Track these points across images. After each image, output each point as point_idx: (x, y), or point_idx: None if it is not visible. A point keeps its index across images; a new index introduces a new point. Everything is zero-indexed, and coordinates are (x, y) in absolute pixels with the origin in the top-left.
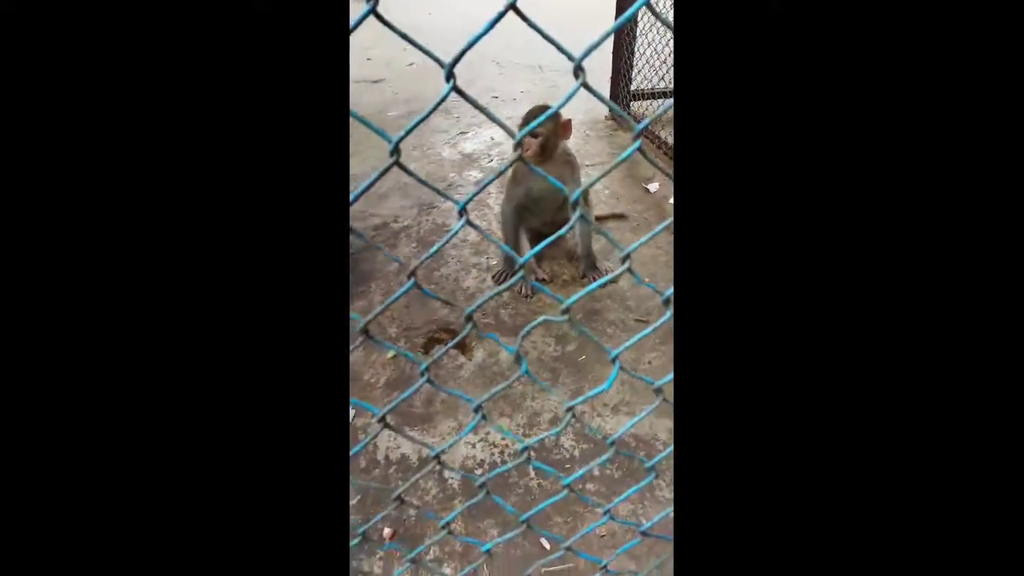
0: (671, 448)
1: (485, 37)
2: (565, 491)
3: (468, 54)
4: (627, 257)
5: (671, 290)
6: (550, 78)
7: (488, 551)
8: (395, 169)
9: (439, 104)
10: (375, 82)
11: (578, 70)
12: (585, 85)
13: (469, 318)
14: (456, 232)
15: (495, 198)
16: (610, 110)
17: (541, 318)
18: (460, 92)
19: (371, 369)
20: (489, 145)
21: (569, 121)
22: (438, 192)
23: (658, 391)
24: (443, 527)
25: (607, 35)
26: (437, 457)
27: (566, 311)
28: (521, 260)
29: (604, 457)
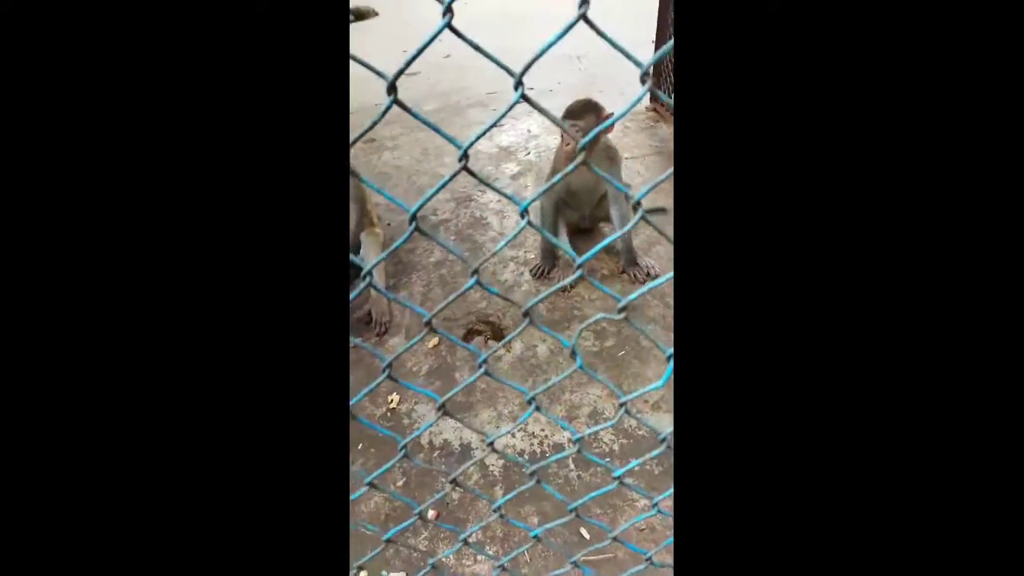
0: None
1: (521, 27)
2: (615, 483)
3: (502, 46)
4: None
5: None
6: (587, 69)
7: (536, 536)
8: (432, 163)
9: (508, 110)
10: (411, 75)
11: (644, 76)
12: (653, 91)
13: (526, 314)
14: (517, 234)
15: (531, 192)
16: (652, 98)
17: (599, 315)
18: (529, 101)
19: (413, 357)
20: (526, 138)
21: (610, 115)
22: (501, 193)
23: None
24: (495, 510)
25: (558, 38)
26: (492, 444)
27: (623, 309)
28: (580, 260)
29: (656, 452)
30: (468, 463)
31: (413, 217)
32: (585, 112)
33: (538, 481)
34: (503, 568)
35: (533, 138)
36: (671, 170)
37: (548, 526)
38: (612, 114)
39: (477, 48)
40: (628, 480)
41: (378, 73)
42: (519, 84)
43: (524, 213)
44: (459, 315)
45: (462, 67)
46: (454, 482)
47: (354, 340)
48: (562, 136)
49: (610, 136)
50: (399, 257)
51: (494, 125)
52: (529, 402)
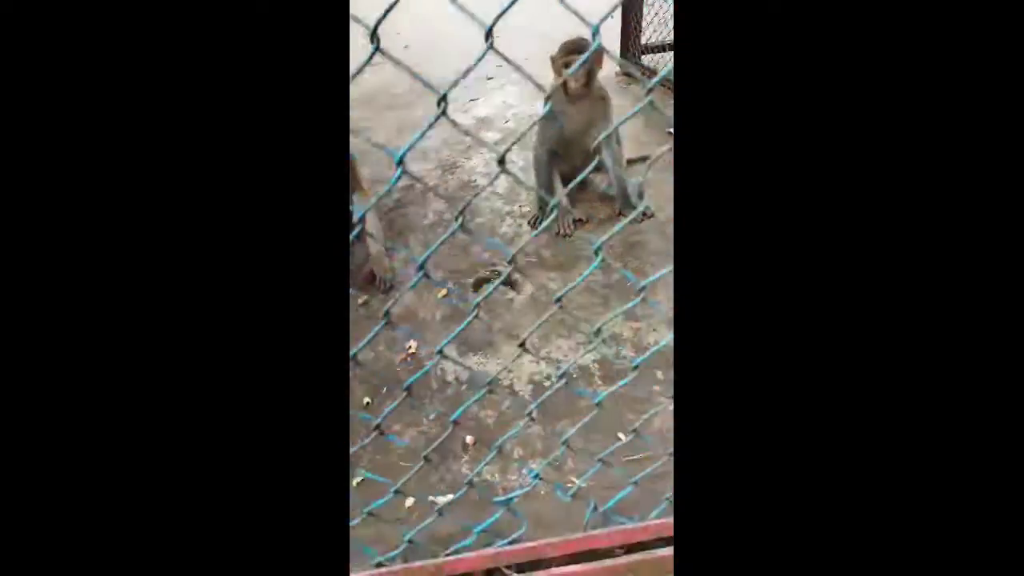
0: None
1: (482, 11)
2: (633, 373)
3: (466, 27)
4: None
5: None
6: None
7: (565, 442)
8: (409, 138)
9: (480, 59)
10: (374, 65)
11: (595, 35)
12: (602, 47)
13: (511, 260)
14: (496, 178)
15: (517, 153)
16: (620, 66)
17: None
18: (498, 51)
19: (424, 307)
20: (503, 108)
21: (603, 50)
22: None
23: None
24: (527, 415)
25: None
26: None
27: (598, 251)
28: (553, 200)
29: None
30: (495, 382)
31: (400, 161)
32: (581, 48)
33: (567, 383)
34: (538, 476)
35: (510, 107)
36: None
37: (578, 425)
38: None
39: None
40: (655, 388)
41: (474, 19)
42: (488, 35)
43: (501, 162)
44: (464, 267)
45: (423, 56)
46: (486, 394)
47: (358, 294)
48: (559, 74)
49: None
50: (393, 220)
51: (472, 67)
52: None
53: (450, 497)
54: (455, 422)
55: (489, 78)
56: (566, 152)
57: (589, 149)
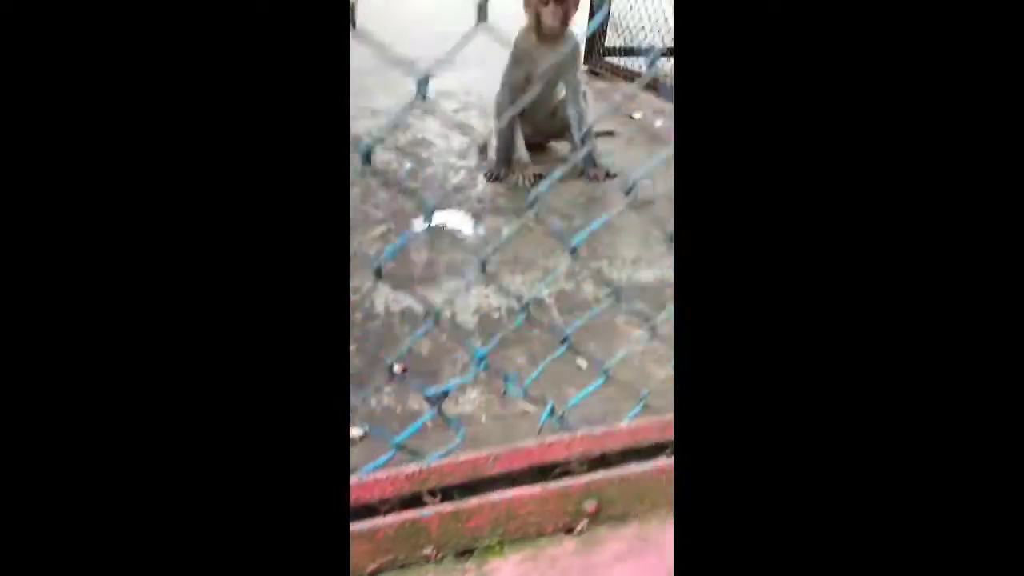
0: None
1: (430, 14)
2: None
3: (413, 28)
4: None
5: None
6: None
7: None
8: (362, 95)
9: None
10: None
11: (480, 14)
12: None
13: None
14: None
15: (476, 122)
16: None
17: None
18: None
19: (359, 246)
20: (464, 85)
21: None
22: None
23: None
24: (479, 359)
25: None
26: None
27: (531, 204)
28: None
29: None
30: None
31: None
32: None
33: (526, 319)
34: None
35: (471, 84)
36: (621, 95)
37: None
38: None
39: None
40: (620, 319)
41: None
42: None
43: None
44: (409, 209)
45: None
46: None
47: None
48: (534, 14)
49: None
50: None
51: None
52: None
53: (366, 428)
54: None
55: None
56: (531, 107)
57: (555, 106)
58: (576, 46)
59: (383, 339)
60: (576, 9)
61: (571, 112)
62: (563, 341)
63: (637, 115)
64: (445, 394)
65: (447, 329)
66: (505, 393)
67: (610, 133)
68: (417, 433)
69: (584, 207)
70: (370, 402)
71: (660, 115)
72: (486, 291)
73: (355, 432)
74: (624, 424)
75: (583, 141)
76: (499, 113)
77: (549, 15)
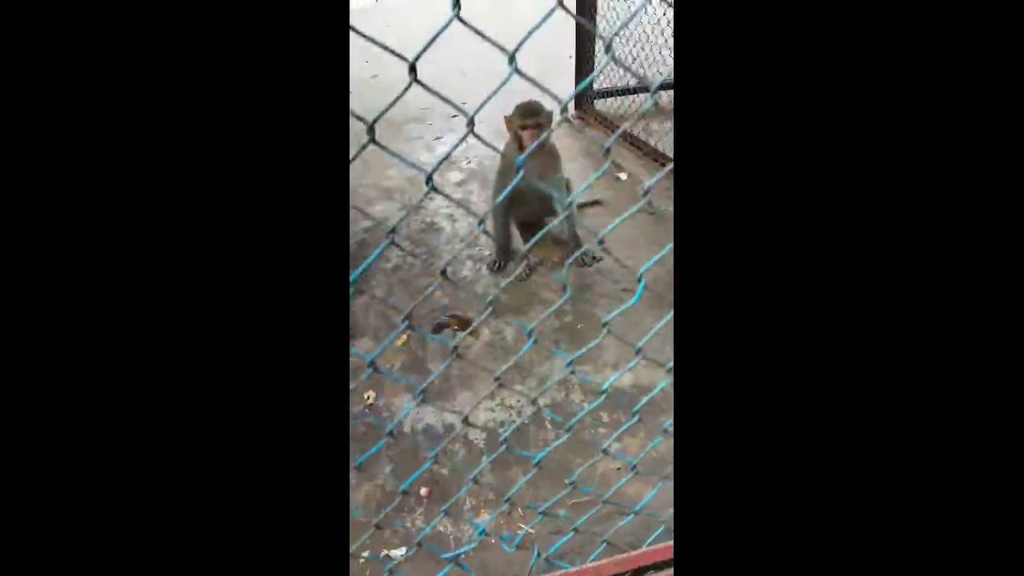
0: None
1: (449, 46)
2: (566, 436)
3: (432, 66)
4: (601, 241)
5: (645, 267)
6: (517, 83)
7: (508, 500)
8: (375, 176)
9: (503, 85)
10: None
11: (512, 58)
12: (518, 71)
13: (488, 304)
14: (427, 193)
15: (477, 197)
16: (578, 104)
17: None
18: (522, 74)
19: (383, 356)
20: (465, 148)
21: (552, 112)
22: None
23: (639, 351)
24: (472, 479)
25: (539, 24)
26: (466, 419)
27: (566, 287)
28: (524, 248)
29: (598, 402)
30: (450, 436)
31: (370, 129)
32: (537, 112)
33: (507, 448)
34: (483, 532)
35: (471, 148)
36: (598, 172)
37: (523, 480)
38: (552, 112)
39: (476, 31)
40: (601, 430)
41: (399, 56)
42: (512, 59)
43: (429, 179)
44: (424, 313)
45: (390, 87)
46: (434, 459)
47: None
48: (515, 135)
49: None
50: (356, 262)
51: (494, 93)
52: (496, 379)
53: (404, 551)
54: (404, 492)
55: (453, 116)
56: (522, 200)
57: (543, 195)
58: (555, 153)
59: (412, 461)
60: (551, 127)
61: (556, 205)
62: (536, 464)
63: (623, 176)
64: (458, 556)
65: (462, 448)
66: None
67: (597, 203)
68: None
69: (575, 297)
70: (406, 524)
71: (646, 171)
72: (492, 403)
73: (395, 553)
74: (589, 564)
75: (572, 234)
76: (494, 215)
77: (528, 138)
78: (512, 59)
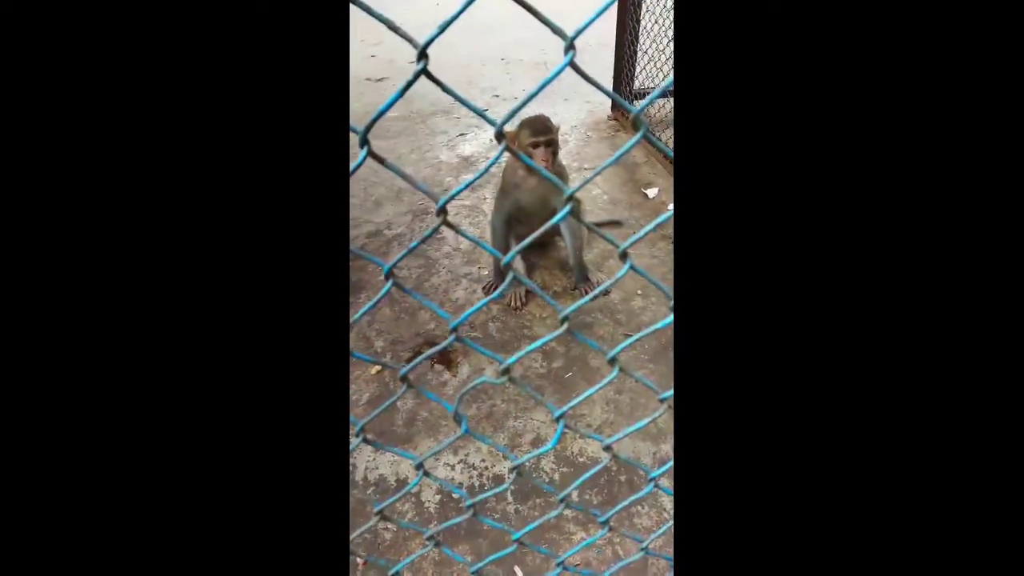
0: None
1: (493, 32)
2: (561, 507)
3: (474, 51)
4: (624, 255)
5: (628, 341)
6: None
7: (476, 573)
8: (387, 175)
9: (556, 74)
10: (378, 80)
11: (569, 48)
12: (573, 65)
13: (454, 330)
14: (433, 231)
15: (489, 203)
16: (614, 106)
17: (540, 341)
18: (577, 69)
19: (354, 385)
20: (488, 148)
21: (557, 127)
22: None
23: (663, 400)
24: (428, 538)
25: (602, 10)
26: (420, 466)
27: (565, 319)
28: (506, 258)
29: (599, 466)
30: (401, 492)
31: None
32: (550, 128)
33: (475, 514)
34: None
35: (494, 148)
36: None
37: (490, 558)
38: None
39: (533, 11)
40: (567, 512)
41: (410, 40)
42: (570, 47)
43: (441, 211)
44: (407, 337)
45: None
46: (380, 514)
47: None
48: (524, 151)
49: (569, 147)
50: (355, 266)
51: (542, 87)
52: (466, 431)
53: None
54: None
55: (484, 109)
56: (525, 219)
57: (547, 215)
58: (562, 172)
59: (355, 516)
60: (559, 146)
61: (563, 227)
62: (516, 540)
63: (652, 192)
64: None
65: (412, 506)
66: None
67: (617, 223)
68: None
69: (567, 340)
70: None
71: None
72: (453, 460)
73: None
74: None
75: (577, 259)
76: (493, 233)
77: (539, 156)
78: (570, 45)
